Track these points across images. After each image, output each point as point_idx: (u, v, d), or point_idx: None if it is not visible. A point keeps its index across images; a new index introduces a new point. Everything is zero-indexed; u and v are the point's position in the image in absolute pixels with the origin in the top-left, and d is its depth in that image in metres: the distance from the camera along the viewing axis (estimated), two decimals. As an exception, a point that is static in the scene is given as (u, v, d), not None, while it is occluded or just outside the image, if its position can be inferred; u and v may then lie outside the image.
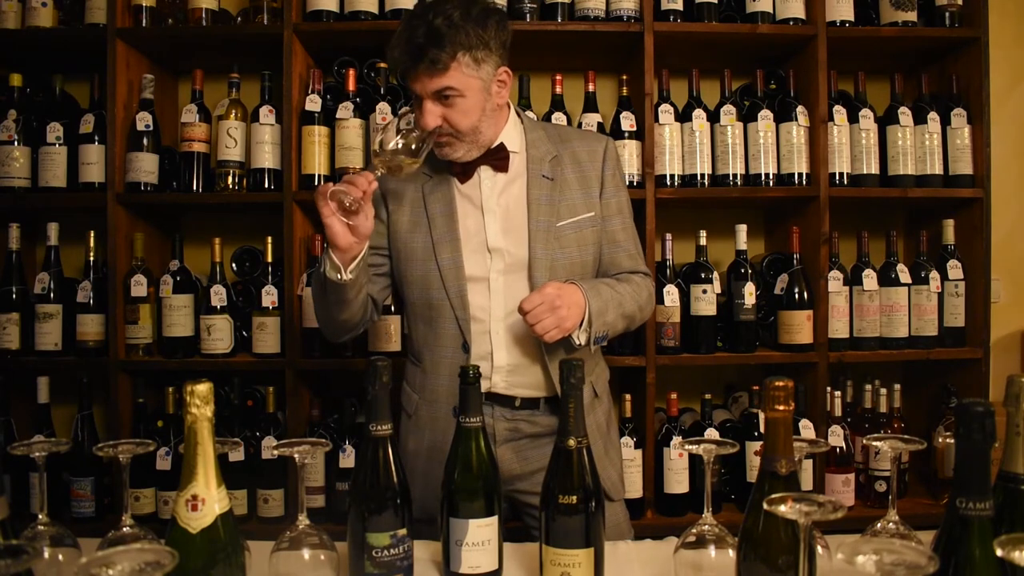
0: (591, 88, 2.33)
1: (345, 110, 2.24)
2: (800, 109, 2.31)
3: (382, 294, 1.65)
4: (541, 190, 1.54)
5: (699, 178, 2.31)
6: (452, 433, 1.49)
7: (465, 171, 1.55)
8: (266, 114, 2.26)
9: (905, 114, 2.37)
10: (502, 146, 1.55)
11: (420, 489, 1.44)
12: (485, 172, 1.55)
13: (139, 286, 2.24)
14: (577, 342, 1.46)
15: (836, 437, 2.24)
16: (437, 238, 1.53)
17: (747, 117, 2.34)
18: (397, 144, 1.41)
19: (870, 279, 2.31)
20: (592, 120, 2.30)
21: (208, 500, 0.86)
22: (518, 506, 1.61)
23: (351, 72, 2.28)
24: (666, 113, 2.29)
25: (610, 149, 1.62)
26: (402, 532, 1.09)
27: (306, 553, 1.06)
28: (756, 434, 2.22)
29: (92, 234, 2.26)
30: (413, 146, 1.41)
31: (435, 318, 1.54)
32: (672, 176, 2.30)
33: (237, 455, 2.19)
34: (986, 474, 0.82)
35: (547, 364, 1.52)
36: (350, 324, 1.57)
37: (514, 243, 1.52)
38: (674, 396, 2.24)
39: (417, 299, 1.57)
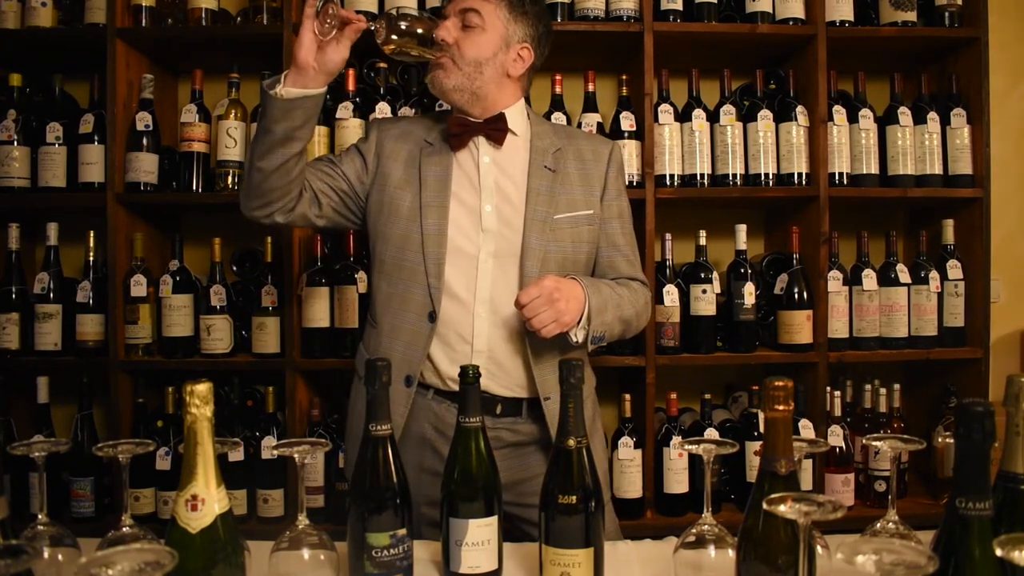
0: (591, 88, 2.33)
1: (345, 110, 2.24)
2: (800, 109, 2.31)
3: (324, 199, 1.54)
4: (542, 180, 1.53)
5: (699, 178, 2.31)
6: (401, 403, 1.47)
7: (460, 135, 1.54)
8: (266, 114, 2.26)
9: (905, 114, 2.37)
10: (502, 117, 1.54)
11: None
12: (483, 145, 1.55)
13: (139, 286, 2.24)
14: (574, 339, 1.43)
15: (836, 437, 2.24)
16: (426, 201, 1.51)
17: (747, 117, 2.34)
18: (410, 23, 1.40)
19: (870, 279, 2.31)
20: (592, 120, 2.30)
21: (208, 500, 0.86)
22: (506, 518, 1.59)
23: (351, 72, 2.28)
24: (666, 113, 2.29)
25: (615, 153, 1.62)
26: (402, 532, 1.09)
27: (306, 553, 1.06)
28: (756, 434, 2.22)
29: (92, 234, 2.26)
30: (420, 30, 1.41)
31: (404, 280, 1.51)
32: (672, 176, 2.30)
33: (237, 455, 2.19)
34: (986, 474, 0.82)
35: (531, 362, 1.49)
36: (269, 184, 1.41)
37: (509, 229, 1.51)
38: (674, 396, 2.24)
39: (390, 259, 1.53)
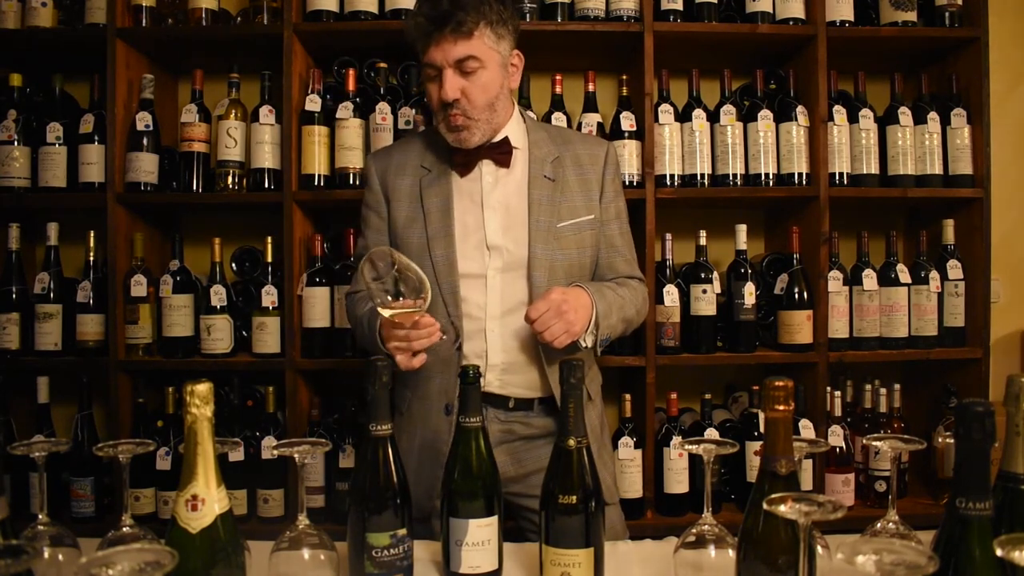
0: (591, 88, 2.33)
1: (345, 110, 2.24)
2: (800, 109, 2.31)
3: None
4: (543, 190, 1.54)
5: (699, 178, 2.31)
6: (444, 431, 1.50)
7: (467, 164, 1.54)
8: (266, 114, 2.26)
9: (905, 114, 2.37)
10: (506, 140, 1.55)
11: (412, 487, 1.45)
12: (487, 167, 1.54)
13: (139, 286, 2.24)
14: (584, 345, 1.46)
15: (836, 437, 2.24)
16: (432, 233, 1.52)
17: (747, 117, 2.34)
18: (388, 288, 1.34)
19: (870, 279, 2.31)
20: (592, 120, 2.30)
21: (208, 500, 0.86)
22: (513, 509, 1.60)
23: (351, 72, 2.28)
24: (666, 113, 2.29)
25: (611, 154, 1.62)
26: (402, 532, 1.09)
27: (306, 553, 1.06)
28: (756, 434, 2.22)
29: (92, 234, 2.26)
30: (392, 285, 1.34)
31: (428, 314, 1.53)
32: (672, 176, 2.30)
33: (237, 455, 2.18)
34: (986, 474, 0.82)
35: (544, 364, 1.51)
36: None
37: (513, 242, 1.52)
38: (674, 396, 2.24)
39: None
